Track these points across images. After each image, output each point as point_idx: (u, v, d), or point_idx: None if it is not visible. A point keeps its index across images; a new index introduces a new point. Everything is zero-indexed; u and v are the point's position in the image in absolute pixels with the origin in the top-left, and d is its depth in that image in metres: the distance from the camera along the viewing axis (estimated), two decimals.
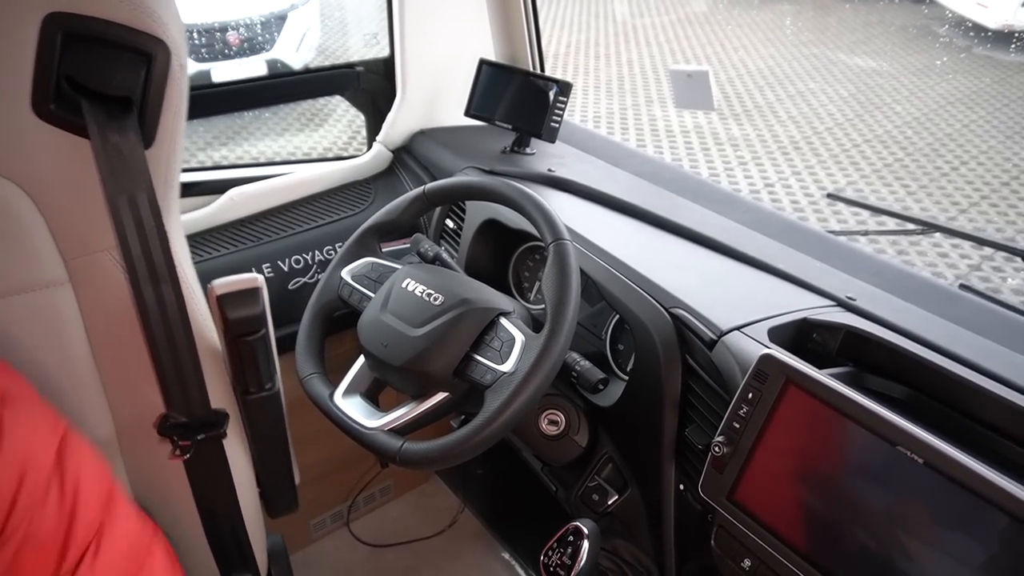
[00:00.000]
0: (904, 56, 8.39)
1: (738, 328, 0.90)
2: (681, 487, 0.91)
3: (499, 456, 2.05)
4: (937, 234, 1.64)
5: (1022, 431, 0.71)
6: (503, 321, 0.97)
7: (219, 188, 1.46)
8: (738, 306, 0.96)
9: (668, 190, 1.44)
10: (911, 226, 1.38)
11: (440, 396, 0.99)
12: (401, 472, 1.95)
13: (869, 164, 5.35)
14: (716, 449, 0.75)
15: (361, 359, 1.07)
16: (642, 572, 0.97)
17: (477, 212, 1.34)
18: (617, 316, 1.18)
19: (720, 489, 0.77)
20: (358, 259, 1.12)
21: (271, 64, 4.90)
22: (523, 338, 0.94)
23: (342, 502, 1.86)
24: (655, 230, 1.27)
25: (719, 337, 0.90)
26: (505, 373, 0.91)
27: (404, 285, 1.02)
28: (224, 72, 4.69)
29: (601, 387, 1.02)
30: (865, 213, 4.38)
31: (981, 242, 1.34)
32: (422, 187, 1.10)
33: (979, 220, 4.52)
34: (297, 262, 1.46)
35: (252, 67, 4.86)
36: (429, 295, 0.99)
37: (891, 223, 1.41)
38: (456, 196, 1.10)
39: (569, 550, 0.84)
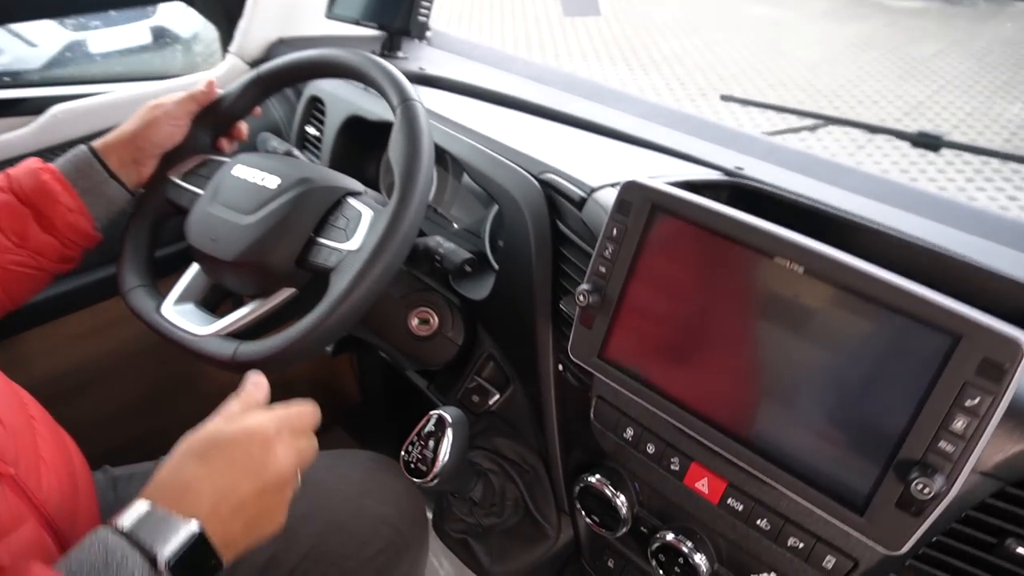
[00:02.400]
0: (805, 4, 8.58)
1: (612, 184, 0.81)
2: (560, 367, 0.82)
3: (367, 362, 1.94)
4: (831, 127, 1.61)
5: (914, 269, 0.64)
6: (351, 200, 0.85)
7: (42, 107, 1.27)
8: (616, 172, 0.86)
9: (557, 88, 1.33)
10: (807, 121, 1.33)
11: (284, 292, 0.86)
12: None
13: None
14: (582, 298, 0.65)
15: (194, 266, 0.93)
16: (527, 470, 0.87)
17: (337, 111, 1.20)
18: (496, 210, 1.07)
19: (590, 347, 0.67)
20: (188, 157, 0.96)
21: None
22: (371, 212, 0.82)
23: None
24: (536, 119, 1.16)
25: (589, 194, 0.80)
26: (351, 251, 0.79)
27: (235, 173, 0.88)
28: None
29: (468, 268, 0.92)
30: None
31: (872, 129, 1.30)
32: (255, 69, 0.96)
33: (876, 154, 4.66)
34: None
35: None
36: (263, 179, 0.86)
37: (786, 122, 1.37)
38: (295, 74, 0.96)
39: (431, 443, 0.74)
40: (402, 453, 0.75)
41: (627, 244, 0.64)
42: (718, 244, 0.58)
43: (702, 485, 0.67)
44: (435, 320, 0.97)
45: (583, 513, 0.81)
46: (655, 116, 1.17)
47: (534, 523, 0.87)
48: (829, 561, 0.60)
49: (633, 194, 0.63)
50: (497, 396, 0.94)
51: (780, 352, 0.57)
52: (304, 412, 0.64)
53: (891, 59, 6.63)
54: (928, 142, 1.06)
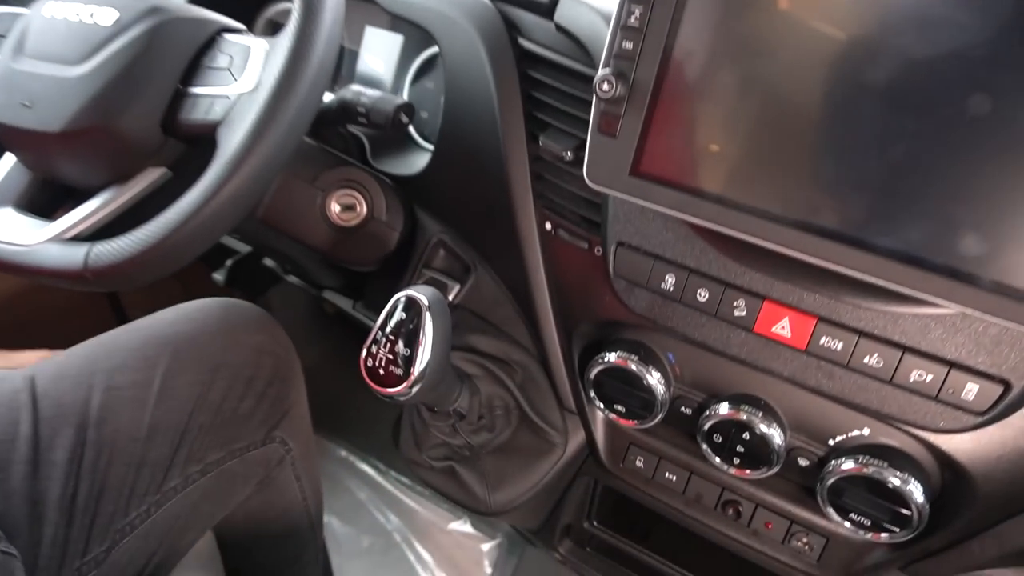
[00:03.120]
0: None
1: None
2: (549, 226, 0.63)
3: (305, 343, 1.70)
4: None
5: None
6: (229, 37, 0.60)
7: None
8: None
9: None
10: None
11: (150, 175, 0.61)
12: None
13: None
14: (606, 87, 0.45)
15: (7, 158, 0.65)
16: (515, 367, 0.68)
17: None
18: (421, 59, 0.84)
19: (617, 163, 0.48)
20: None
21: None
22: (265, 44, 0.58)
23: None
24: None
25: None
26: (243, 93, 0.56)
27: (45, 12, 0.61)
28: None
29: (405, 118, 0.69)
30: None
31: None
32: None
33: None
34: None
35: None
36: (92, 14, 0.59)
37: None
38: None
39: (403, 337, 0.53)
40: (363, 356, 0.54)
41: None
42: None
43: (781, 328, 0.51)
44: (362, 204, 0.75)
45: (601, 406, 0.63)
46: None
47: (534, 432, 0.68)
48: (970, 391, 0.46)
49: None
50: (457, 288, 0.74)
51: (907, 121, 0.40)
52: None
53: None
54: None
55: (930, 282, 0.40)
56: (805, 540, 0.61)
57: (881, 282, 0.42)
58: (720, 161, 0.45)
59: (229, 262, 0.98)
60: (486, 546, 1.32)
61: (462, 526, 1.35)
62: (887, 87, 0.39)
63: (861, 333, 0.48)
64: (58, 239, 0.57)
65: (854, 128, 0.41)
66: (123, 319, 1.32)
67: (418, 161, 0.79)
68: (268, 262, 1.04)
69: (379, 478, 1.45)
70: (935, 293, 0.40)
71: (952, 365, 0.46)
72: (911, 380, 0.47)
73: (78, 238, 0.58)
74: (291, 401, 0.81)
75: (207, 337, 0.76)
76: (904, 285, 0.41)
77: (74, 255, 0.54)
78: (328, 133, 0.79)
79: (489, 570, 1.29)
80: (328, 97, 0.73)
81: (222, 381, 0.73)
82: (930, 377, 0.47)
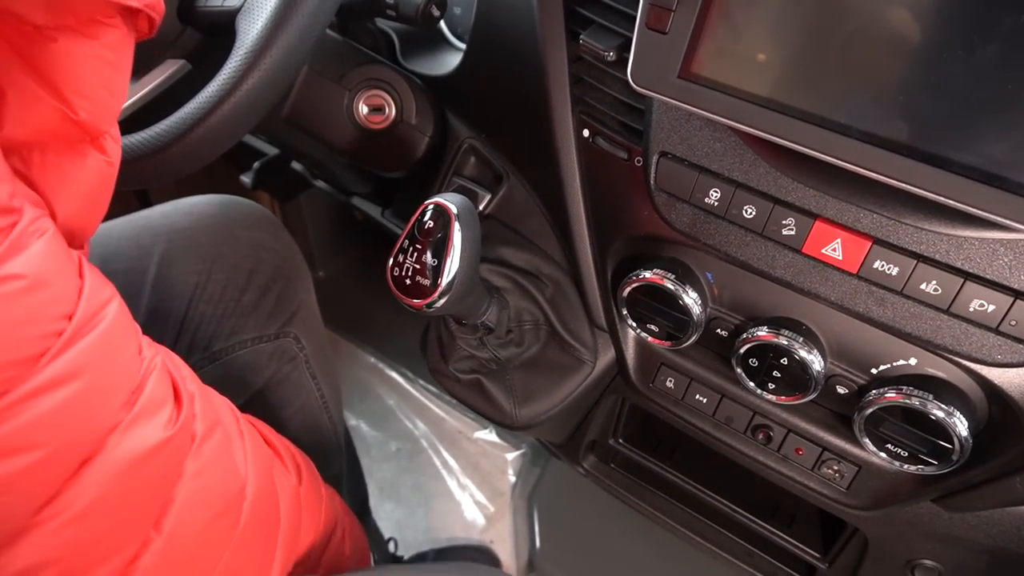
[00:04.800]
0: None
1: None
2: (587, 133, 0.59)
3: (334, 250, 1.69)
4: None
5: None
6: None
7: None
8: None
9: None
10: None
11: (169, 67, 0.58)
12: None
13: None
14: None
15: None
16: (545, 281, 0.66)
17: None
18: None
19: (666, 62, 0.44)
20: None
21: None
22: None
23: None
24: None
25: None
26: None
27: None
28: None
29: (437, 11, 0.65)
30: None
31: None
32: None
33: None
34: None
35: None
36: None
37: None
38: None
39: (431, 246, 0.51)
40: (389, 265, 0.52)
41: None
42: None
43: (832, 250, 0.47)
44: (391, 107, 0.71)
45: (633, 325, 0.61)
46: None
47: (563, 348, 0.67)
48: None
49: None
50: (488, 197, 0.71)
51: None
52: None
53: None
54: None
55: (1010, 204, 0.36)
56: (836, 468, 0.60)
57: (954, 203, 0.38)
58: (780, 63, 0.41)
59: (257, 164, 0.96)
60: (511, 455, 1.34)
61: (488, 435, 1.38)
62: None
63: (920, 257, 0.45)
64: None
65: (939, 25, 0.36)
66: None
67: (450, 60, 0.75)
68: (297, 166, 1.02)
69: (407, 385, 1.47)
70: (1014, 217, 0.36)
71: (1018, 295, 0.43)
72: (971, 309, 0.44)
73: None
74: (299, 300, 0.80)
75: (203, 229, 0.75)
76: (979, 207, 0.37)
77: None
78: (356, 28, 0.75)
79: (513, 479, 1.31)
80: None
81: (220, 273, 0.73)
82: (992, 307, 0.43)
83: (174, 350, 0.68)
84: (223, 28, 0.54)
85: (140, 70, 0.57)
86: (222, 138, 0.52)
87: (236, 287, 0.74)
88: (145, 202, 1.31)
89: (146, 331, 0.68)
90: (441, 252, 0.50)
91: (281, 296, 0.78)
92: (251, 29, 0.50)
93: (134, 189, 1.27)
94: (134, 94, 0.57)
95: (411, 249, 0.51)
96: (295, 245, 0.83)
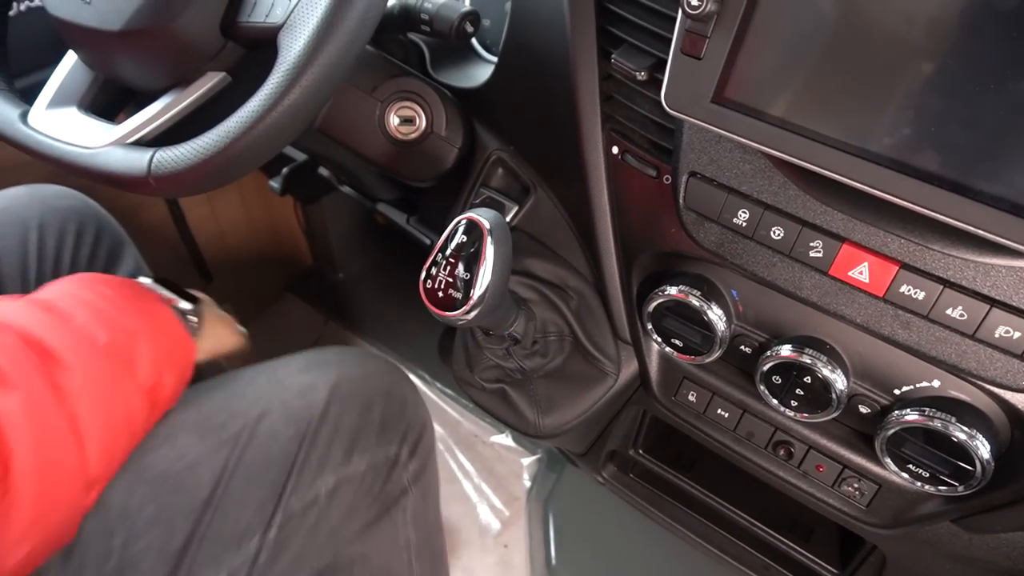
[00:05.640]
0: None
1: None
2: (616, 150, 0.60)
3: (355, 253, 1.71)
4: None
5: None
6: None
7: None
8: None
9: None
10: None
11: (210, 79, 0.59)
12: (240, 291, 1.55)
13: None
14: (693, 3, 0.42)
15: (70, 56, 0.64)
16: (571, 293, 0.67)
17: None
18: None
19: (699, 87, 0.45)
20: None
21: None
22: None
23: None
24: None
25: None
26: None
27: None
28: None
29: (471, 27, 0.66)
30: None
31: None
32: None
33: None
34: None
35: None
36: None
37: None
38: None
39: (463, 259, 0.52)
40: (422, 278, 0.53)
41: None
42: None
43: (859, 273, 0.48)
44: (422, 118, 0.72)
45: (657, 339, 0.62)
46: None
47: (586, 360, 0.68)
48: None
49: None
50: (515, 208, 0.72)
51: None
52: None
53: None
54: None
55: None
56: (856, 486, 0.61)
57: (982, 232, 0.38)
58: (814, 90, 0.42)
59: (285, 170, 0.98)
60: (526, 460, 1.35)
61: (504, 439, 1.39)
62: (1017, 7, 0.35)
63: (947, 283, 0.45)
64: (121, 143, 0.57)
65: (972, 57, 0.37)
66: (180, 217, 1.35)
67: (479, 74, 0.76)
68: (323, 171, 1.04)
69: (424, 388, 1.48)
70: None
71: None
72: (996, 335, 0.45)
73: (140, 143, 0.58)
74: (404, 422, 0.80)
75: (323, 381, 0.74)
76: (1008, 237, 0.38)
77: (138, 161, 0.54)
78: (388, 41, 0.77)
79: (528, 484, 1.32)
80: (391, 2, 0.69)
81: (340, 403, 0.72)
82: (1018, 334, 0.44)
83: None
84: (265, 43, 0.55)
85: (182, 82, 0.59)
86: (262, 151, 0.53)
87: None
88: (176, 211, 1.34)
89: None
90: (473, 266, 0.52)
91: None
92: (294, 45, 0.51)
93: (171, 198, 1.30)
94: (176, 105, 0.59)
95: (444, 263, 0.52)
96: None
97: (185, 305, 0.72)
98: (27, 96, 0.64)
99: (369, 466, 0.71)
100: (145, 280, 0.72)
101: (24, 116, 0.61)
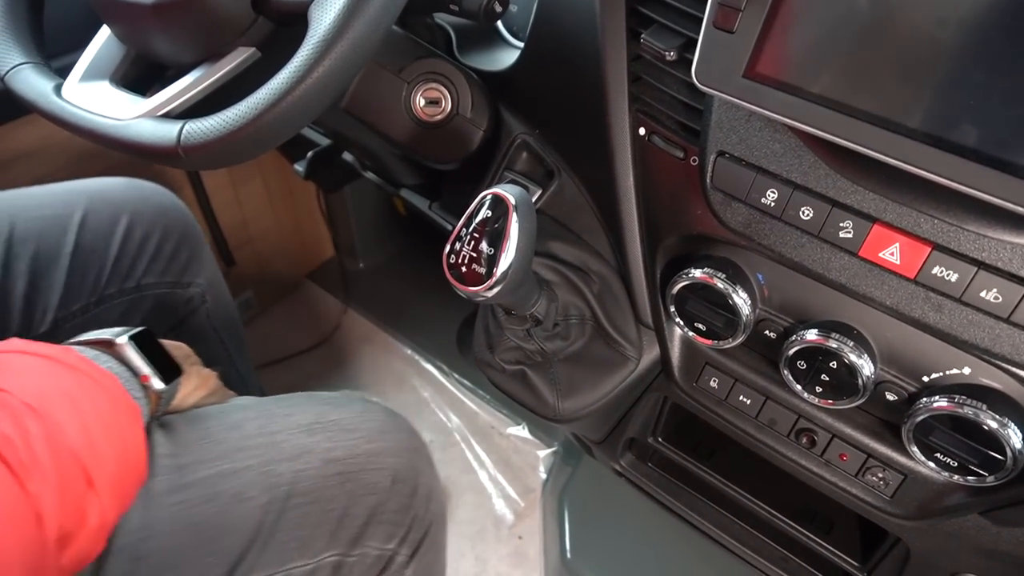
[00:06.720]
0: None
1: None
2: (643, 131, 0.60)
3: (376, 242, 1.72)
4: None
5: None
6: None
7: None
8: None
9: None
10: None
11: (241, 54, 0.60)
12: (261, 277, 1.57)
13: None
14: None
15: (103, 31, 0.65)
16: (593, 277, 0.67)
17: None
18: None
19: (731, 62, 0.44)
20: None
21: None
22: None
23: None
24: None
25: None
26: None
27: None
28: None
29: (499, 7, 0.66)
30: None
31: None
32: None
33: None
34: None
35: None
36: None
37: None
38: None
39: (487, 235, 0.52)
40: (446, 252, 0.53)
41: None
42: None
43: (890, 254, 0.47)
44: (448, 100, 0.72)
45: (680, 323, 0.61)
46: None
47: (608, 343, 0.68)
48: None
49: None
50: (539, 192, 0.72)
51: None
52: None
53: None
54: None
55: None
56: (881, 475, 0.60)
57: (1022, 210, 0.38)
58: (846, 63, 0.41)
59: (310, 154, 0.98)
60: (542, 452, 1.35)
61: (520, 431, 1.39)
62: None
63: (981, 264, 0.44)
64: (152, 115, 0.58)
65: (1010, 29, 0.36)
66: (205, 201, 1.36)
67: (505, 57, 0.76)
68: (347, 157, 1.04)
69: (442, 378, 1.49)
70: None
71: None
72: None
73: (170, 115, 0.58)
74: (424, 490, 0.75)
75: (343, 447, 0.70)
76: None
77: (168, 132, 0.55)
78: (415, 22, 0.77)
79: (544, 476, 1.32)
80: None
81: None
82: None
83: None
84: (295, 18, 0.55)
85: (213, 56, 0.60)
86: (290, 124, 0.54)
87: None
88: (201, 194, 1.35)
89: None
90: (498, 242, 0.51)
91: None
92: (324, 18, 0.52)
93: (199, 170, 1.32)
94: (206, 79, 0.59)
95: (468, 237, 0.52)
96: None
97: (158, 385, 0.63)
98: (62, 74, 0.65)
99: (338, 564, 0.64)
100: (122, 340, 0.63)
101: (58, 89, 0.61)
